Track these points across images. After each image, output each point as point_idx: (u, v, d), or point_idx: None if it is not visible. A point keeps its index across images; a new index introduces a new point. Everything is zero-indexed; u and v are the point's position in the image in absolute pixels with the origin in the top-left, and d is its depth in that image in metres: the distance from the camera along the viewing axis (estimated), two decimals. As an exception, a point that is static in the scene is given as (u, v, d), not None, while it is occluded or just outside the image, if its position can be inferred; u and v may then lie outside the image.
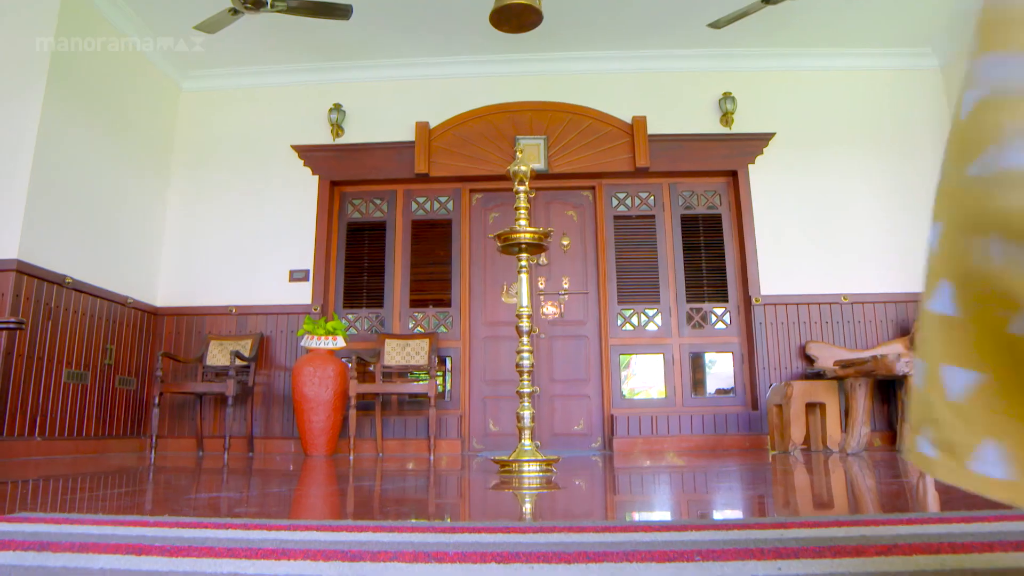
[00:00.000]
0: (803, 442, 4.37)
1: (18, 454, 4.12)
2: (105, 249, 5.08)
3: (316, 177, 5.83)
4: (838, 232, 5.48)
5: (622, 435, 5.19)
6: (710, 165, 5.67)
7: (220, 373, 5.30)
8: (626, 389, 5.55)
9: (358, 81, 5.96)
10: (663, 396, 5.46)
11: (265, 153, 5.91)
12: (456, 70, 5.93)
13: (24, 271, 4.24)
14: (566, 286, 5.70)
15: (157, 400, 4.85)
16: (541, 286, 5.71)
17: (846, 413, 4.51)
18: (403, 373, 5.37)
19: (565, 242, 5.77)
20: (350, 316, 5.71)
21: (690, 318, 5.57)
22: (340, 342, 5.14)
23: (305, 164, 5.84)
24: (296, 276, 5.65)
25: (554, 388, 5.56)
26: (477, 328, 5.64)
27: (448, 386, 5.61)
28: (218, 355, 5.41)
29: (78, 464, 3.87)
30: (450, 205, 5.87)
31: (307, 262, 5.66)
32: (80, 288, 4.74)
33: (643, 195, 5.79)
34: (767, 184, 5.60)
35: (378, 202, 5.92)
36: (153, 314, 5.57)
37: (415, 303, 5.68)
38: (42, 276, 4.39)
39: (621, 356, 5.55)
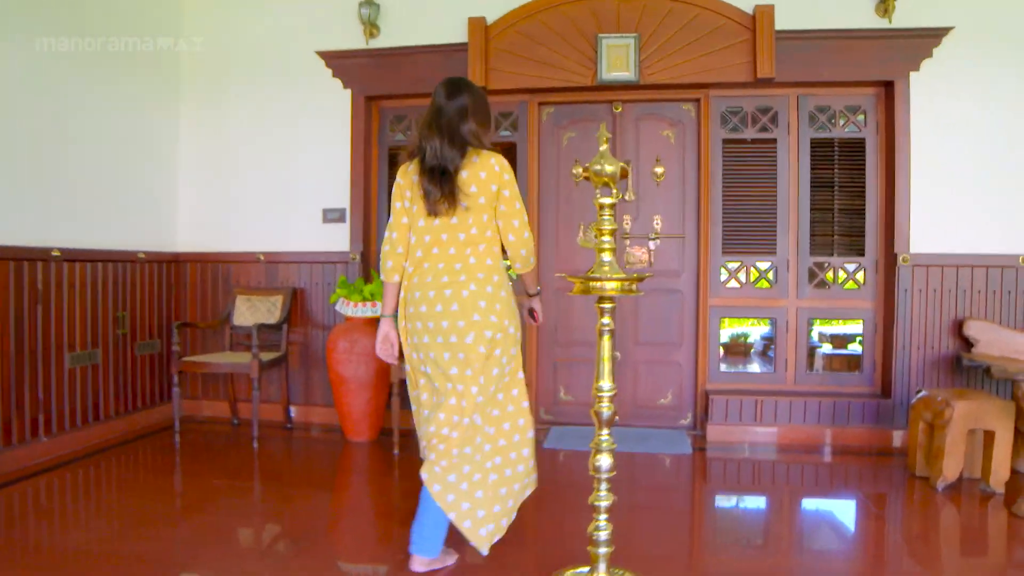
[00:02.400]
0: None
1: (20, 463, 3.59)
2: (103, 205, 4.24)
3: (348, 92, 4.71)
4: (1028, 169, 4.13)
5: (718, 420, 4.33)
6: (856, 73, 4.25)
7: (250, 335, 4.60)
8: (726, 360, 4.62)
9: (395, -40, 4.63)
10: (771, 371, 4.52)
11: (288, 65, 4.77)
12: (520, -59, 4.51)
13: (-8, 257, 3.50)
14: (658, 227, 4.62)
15: (176, 378, 4.21)
16: (626, 226, 4.64)
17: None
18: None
19: (658, 170, 4.60)
20: (396, 263, 4.83)
21: (812, 275, 4.46)
22: (378, 308, 4.31)
23: (335, 75, 4.70)
24: (330, 216, 4.73)
25: (638, 353, 4.67)
26: (548, 276, 4.70)
27: (512, 347, 4.79)
28: (246, 313, 4.68)
29: (89, 467, 3.34)
30: (514, 123, 4.71)
31: (343, 199, 4.71)
32: (74, 257, 3.96)
33: (763, 112, 4.48)
34: (934, 100, 4.18)
35: (425, 121, 4.80)
36: (173, 262, 4.82)
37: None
38: (19, 256, 3.62)
39: (722, 318, 4.56)
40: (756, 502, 3.46)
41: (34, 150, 3.77)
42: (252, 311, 4.67)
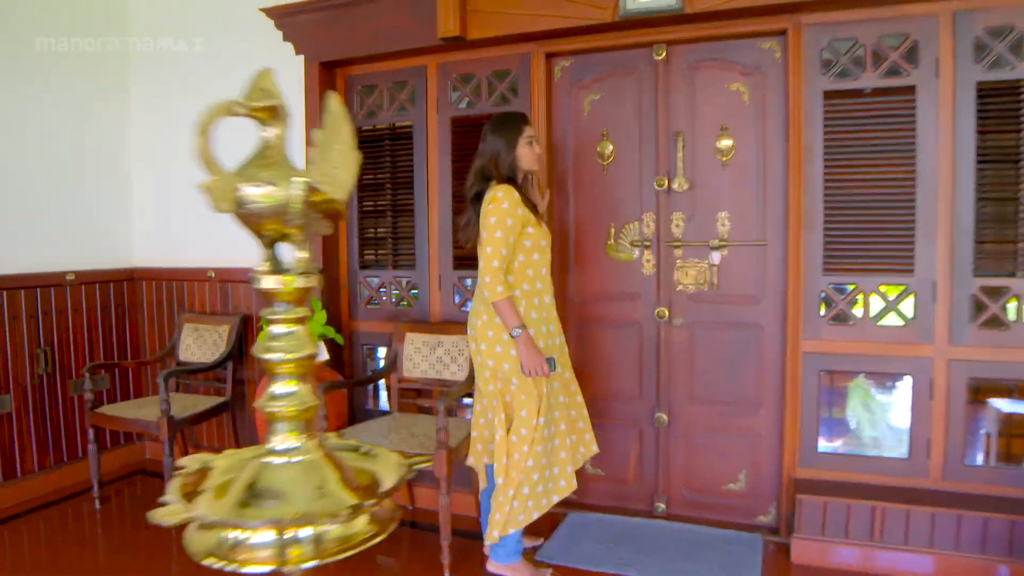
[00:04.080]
0: None
1: None
2: (9, 220, 3.50)
3: (301, 58, 3.60)
4: None
5: (811, 532, 2.77)
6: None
7: (198, 371, 3.70)
8: (830, 437, 3.01)
9: None
10: (903, 457, 2.86)
11: (233, 29, 3.75)
12: None
13: None
14: (724, 230, 3.09)
15: (93, 435, 3.41)
16: (675, 229, 3.16)
17: None
18: (428, 389, 3.34)
19: (724, 144, 3.05)
20: (372, 280, 3.69)
21: (979, 308, 2.72)
22: (321, 353, 3.21)
23: (285, 38, 3.61)
24: (287, 223, 3.69)
25: (695, 413, 3.20)
26: (567, 302, 3.35)
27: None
28: (193, 345, 3.79)
29: None
30: (513, 85, 3.35)
31: (301, 200, 3.64)
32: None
33: (892, 45, 2.77)
34: None
35: (398, 91, 3.58)
36: (127, 280, 4.02)
37: (461, 262, 3.47)
38: None
39: (824, 372, 2.96)
40: None
41: None
42: (199, 343, 3.77)
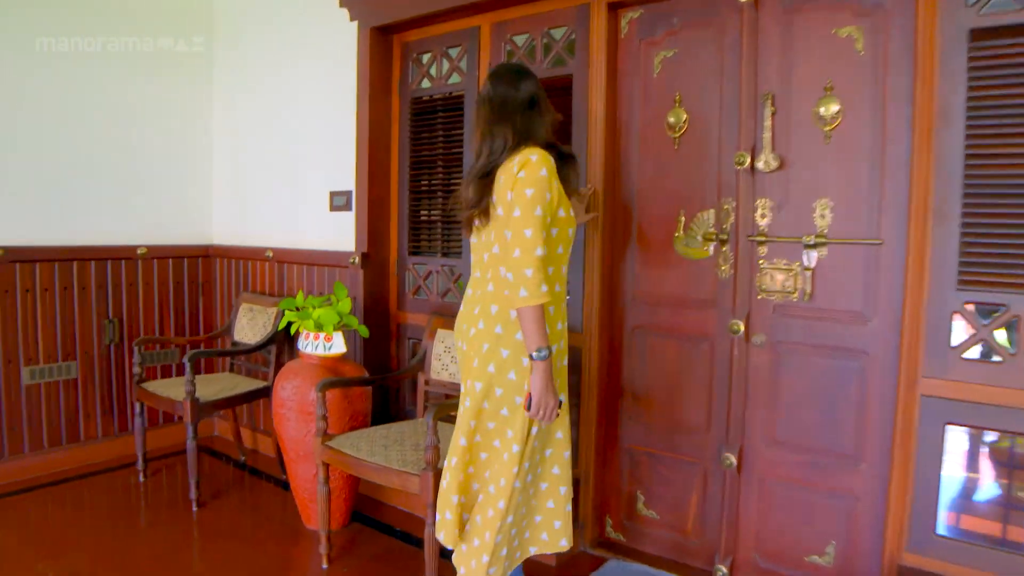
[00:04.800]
0: None
1: None
2: (85, 193, 3.56)
3: (355, 24, 3.31)
4: None
5: (910, 647, 1.99)
6: None
7: (230, 354, 3.58)
8: (955, 515, 2.16)
9: None
10: (1066, 561, 1.96)
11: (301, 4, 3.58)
12: None
13: None
14: (824, 222, 2.34)
15: (140, 407, 3.38)
16: (760, 220, 2.45)
17: None
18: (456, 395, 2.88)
19: (829, 110, 2.29)
20: (420, 268, 3.33)
21: None
22: (338, 345, 2.89)
23: (341, 4, 3.33)
24: (337, 203, 3.43)
25: (773, 458, 2.47)
26: (623, 305, 2.76)
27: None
28: (247, 327, 3.66)
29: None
30: (569, 45, 2.80)
31: (350, 177, 3.36)
32: (30, 257, 3.35)
33: (1082, -48, 1.88)
34: None
35: (452, 56, 3.16)
36: (188, 257, 4.00)
37: (510, 253, 2.98)
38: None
39: (951, 425, 2.12)
40: None
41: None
42: (252, 324, 3.64)
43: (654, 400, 2.72)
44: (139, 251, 3.73)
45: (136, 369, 3.37)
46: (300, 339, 2.93)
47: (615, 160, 2.75)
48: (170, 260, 3.88)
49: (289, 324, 2.97)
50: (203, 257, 4.03)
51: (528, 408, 1.91)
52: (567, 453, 2.16)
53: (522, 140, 1.95)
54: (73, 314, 3.52)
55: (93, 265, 3.57)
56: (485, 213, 1.97)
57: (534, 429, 1.99)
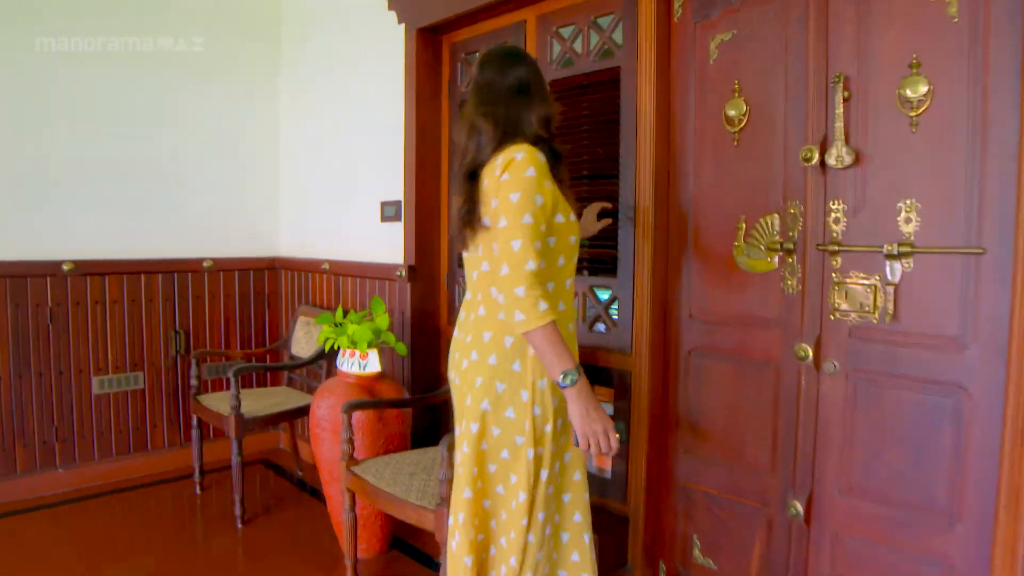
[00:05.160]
0: None
1: (39, 490, 3.28)
2: (151, 206, 3.65)
3: (402, 27, 3.17)
4: None
5: None
6: None
7: (305, 367, 3.53)
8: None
9: None
10: None
11: (353, 9, 3.50)
12: None
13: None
14: (911, 229, 1.93)
15: (196, 420, 3.40)
16: (833, 225, 2.07)
17: None
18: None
19: (917, 92, 1.89)
20: (469, 282, 3.14)
21: None
22: (372, 363, 2.75)
23: (390, 7, 3.22)
24: (387, 213, 3.30)
25: (850, 509, 2.07)
26: (677, 322, 2.44)
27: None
28: (303, 340, 3.62)
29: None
30: (616, 35, 2.52)
31: (399, 187, 3.23)
32: (99, 270, 3.45)
33: None
34: None
35: (497, 54, 2.96)
36: (254, 269, 4.01)
37: (556, 265, 2.73)
38: (19, 273, 3.24)
39: (1073, 481, 1.67)
40: None
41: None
42: (308, 337, 3.58)
43: (712, 433, 2.39)
44: (205, 263, 3.78)
45: (193, 381, 3.40)
46: (338, 356, 2.81)
47: (667, 159, 2.45)
48: (236, 272, 3.92)
49: (328, 339, 2.87)
50: (268, 269, 4.05)
51: (577, 444, 1.66)
52: (587, 495, 1.89)
53: (507, 134, 1.70)
54: (140, 326, 3.61)
55: (160, 277, 3.65)
56: (470, 224, 1.73)
57: (543, 473, 1.74)
